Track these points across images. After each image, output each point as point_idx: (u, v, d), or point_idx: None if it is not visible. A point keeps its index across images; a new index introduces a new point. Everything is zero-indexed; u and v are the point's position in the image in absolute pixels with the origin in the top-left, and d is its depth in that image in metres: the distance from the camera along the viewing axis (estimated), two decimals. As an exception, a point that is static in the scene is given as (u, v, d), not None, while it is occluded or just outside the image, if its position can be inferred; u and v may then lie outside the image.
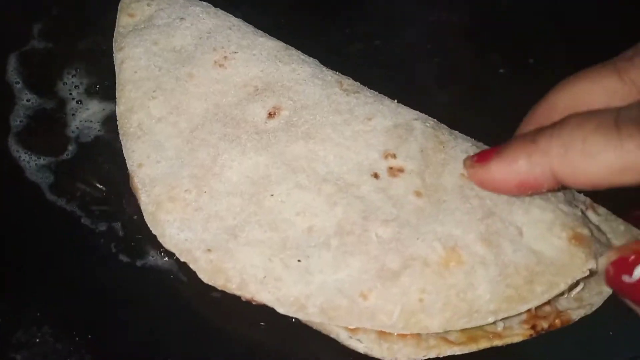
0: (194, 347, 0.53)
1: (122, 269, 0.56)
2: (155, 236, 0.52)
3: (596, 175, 0.40)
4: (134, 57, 0.58)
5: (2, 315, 0.52)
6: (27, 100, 0.63)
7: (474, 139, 0.56)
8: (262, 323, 0.53)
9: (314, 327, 0.51)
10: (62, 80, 0.64)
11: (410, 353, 0.49)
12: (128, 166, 0.54)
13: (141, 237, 0.56)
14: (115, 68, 0.58)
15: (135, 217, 0.55)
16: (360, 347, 0.49)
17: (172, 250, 0.51)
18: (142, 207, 0.53)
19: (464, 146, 0.54)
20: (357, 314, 0.47)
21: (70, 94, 0.63)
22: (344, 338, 0.50)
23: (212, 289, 0.50)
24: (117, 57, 0.58)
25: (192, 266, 0.50)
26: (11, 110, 0.62)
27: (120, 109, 0.56)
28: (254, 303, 0.50)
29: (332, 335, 0.50)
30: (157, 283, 0.56)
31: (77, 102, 0.63)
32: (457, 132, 0.57)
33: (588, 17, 0.74)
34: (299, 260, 0.49)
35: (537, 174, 0.43)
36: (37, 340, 0.51)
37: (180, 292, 0.55)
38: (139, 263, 0.56)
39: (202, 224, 0.51)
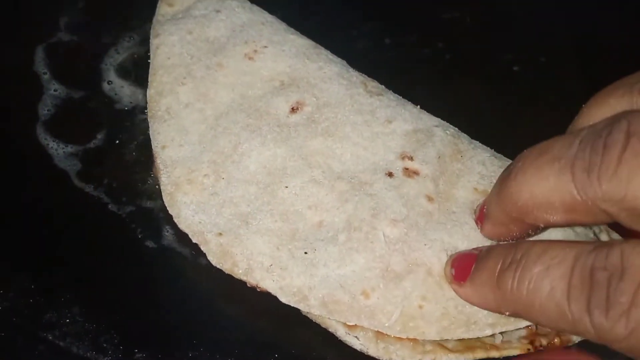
0: (218, 329, 0.54)
1: (148, 253, 0.57)
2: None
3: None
4: (169, 44, 0.60)
5: (33, 296, 0.53)
6: (54, 90, 0.65)
7: (491, 135, 0.56)
8: (268, 311, 0.53)
9: (314, 320, 0.51)
10: (91, 71, 0.66)
11: (406, 355, 0.49)
12: (152, 147, 0.56)
13: (166, 221, 0.57)
14: (150, 53, 0.61)
15: (161, 202, 0.55)
16: (357, 344, 0.50)
17: (186, 230, 0.53)
18: (162, 188, 0.55)
19: (482, 157, 0.54)
20: (357, 311, 0.48)
21: (100, 83, 0.66)
22: (341, 334, 0.50)
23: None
24: (153, 43, 0.61)
25: (202, 248, 0.52)
26: (39, 100, 0.64)
27: (150, 92, 0.58)
28: (258, 290, 0.51)
29: (331, 330, 0.51)
30: (181, 267, 0.57)
31: (106, 89, 0.64)
32: (477, 142, 0.57)
33: (596, 16, 0.73)
34: (305, 252, 0.50)
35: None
36: (68, 320, 0.52)
37: (203, 276, 0.56)
38: (165, 245, 0.57)
39: (216, 209, 0.53)
